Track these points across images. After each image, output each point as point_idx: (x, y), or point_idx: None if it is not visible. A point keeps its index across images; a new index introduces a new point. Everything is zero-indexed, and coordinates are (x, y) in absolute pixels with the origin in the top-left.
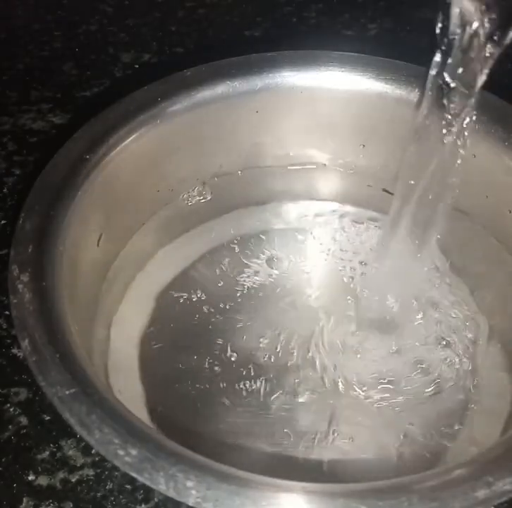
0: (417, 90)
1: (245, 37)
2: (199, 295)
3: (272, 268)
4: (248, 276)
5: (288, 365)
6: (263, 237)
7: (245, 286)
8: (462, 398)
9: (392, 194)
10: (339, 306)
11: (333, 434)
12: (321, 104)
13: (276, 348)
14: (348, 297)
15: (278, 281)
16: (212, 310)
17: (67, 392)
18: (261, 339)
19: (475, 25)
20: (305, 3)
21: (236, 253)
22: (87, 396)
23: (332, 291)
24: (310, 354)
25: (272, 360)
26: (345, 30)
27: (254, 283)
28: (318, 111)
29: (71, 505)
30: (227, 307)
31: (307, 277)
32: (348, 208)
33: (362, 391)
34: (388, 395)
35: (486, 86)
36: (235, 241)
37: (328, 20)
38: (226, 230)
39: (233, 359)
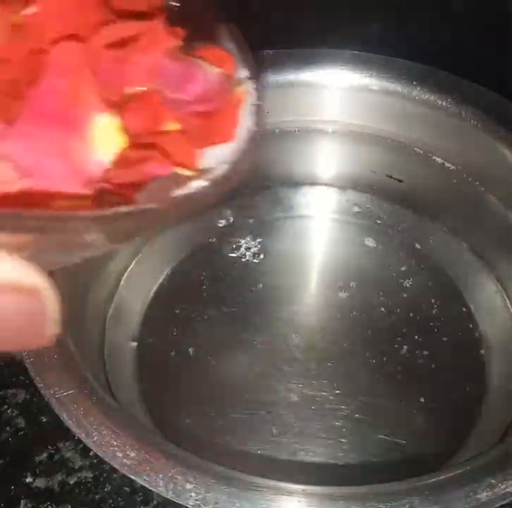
0: (418, 88)
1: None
2: (195, 288)
3: None
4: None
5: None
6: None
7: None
8: None
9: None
10: None
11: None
12: (322, 102)
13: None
14: None
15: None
16: (210, 303)
17: (65, 393)
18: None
19: None
20: (305, 0)
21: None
22: (85, 397)
23: None
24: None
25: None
26: (346, 28)
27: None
28: (318, 109)
29: (69, 507)
30: (226, 299)
31: None
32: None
33: None
34: None
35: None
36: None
37: (329, 18)
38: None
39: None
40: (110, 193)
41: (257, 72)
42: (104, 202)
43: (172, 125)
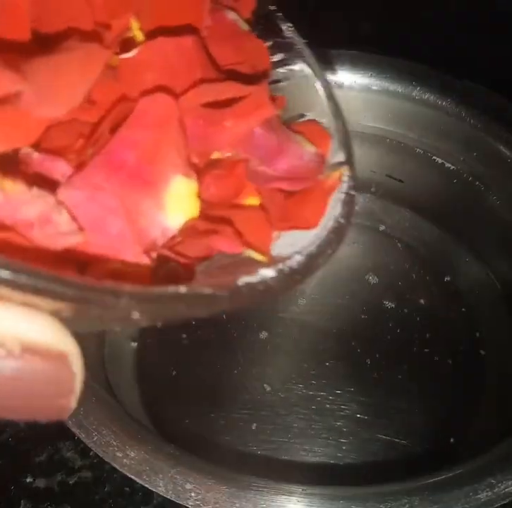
0: (418, 88)
1: None
2: None
3: None
4: None
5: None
6: None
7: None
8: None
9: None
10: None
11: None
12: None
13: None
14: None
15: None
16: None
17: None
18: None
19: None
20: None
21: None
22: (85, 397)
23: None
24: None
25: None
26: (343, 28)
27: None
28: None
29: (69, 507)
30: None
31: None
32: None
33: None
34: None
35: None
36: None
37: (326, 18)
38: None
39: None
40: (170, 262)
41: (353, 158)
42: (161, 270)
43: (252, 200)
